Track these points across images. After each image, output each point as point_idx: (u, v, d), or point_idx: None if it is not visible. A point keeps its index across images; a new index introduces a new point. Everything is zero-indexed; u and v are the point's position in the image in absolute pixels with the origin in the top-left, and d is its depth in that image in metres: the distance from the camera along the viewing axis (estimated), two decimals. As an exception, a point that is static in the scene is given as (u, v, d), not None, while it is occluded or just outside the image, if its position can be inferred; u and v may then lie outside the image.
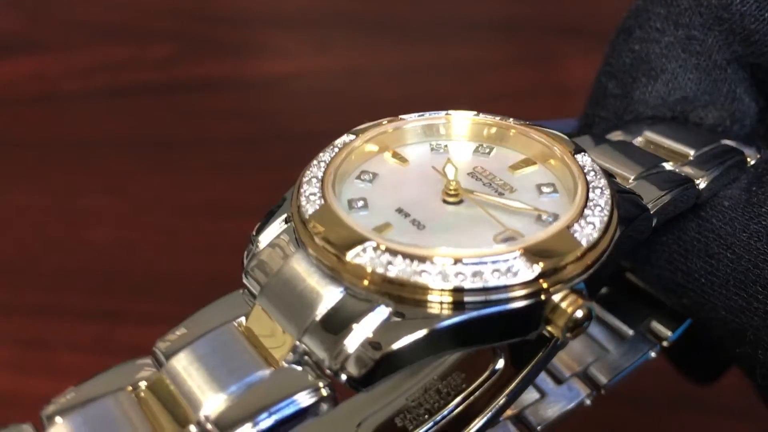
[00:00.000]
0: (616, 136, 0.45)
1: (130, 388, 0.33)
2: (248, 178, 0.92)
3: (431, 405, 0.40)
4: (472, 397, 0.40)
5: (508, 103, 1.01)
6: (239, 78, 1.15)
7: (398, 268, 0.31)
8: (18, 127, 1.06)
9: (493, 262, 0.31)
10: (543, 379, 0.46)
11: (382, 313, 0.31)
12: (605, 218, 0.34)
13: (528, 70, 1.10)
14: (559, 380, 0.46)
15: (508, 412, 0.44)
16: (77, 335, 0.77)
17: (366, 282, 0.31)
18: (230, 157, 0.98)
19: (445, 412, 0.40)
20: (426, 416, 0.40)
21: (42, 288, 0.82)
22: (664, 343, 0.47)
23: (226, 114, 1.06)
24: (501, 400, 0.39)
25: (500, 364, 0.39)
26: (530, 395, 0.45)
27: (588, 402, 0.46)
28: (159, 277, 0.82)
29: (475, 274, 0.31)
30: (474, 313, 0.31)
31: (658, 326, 0.48)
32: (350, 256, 0.32)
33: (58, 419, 0.31)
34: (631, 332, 0.48)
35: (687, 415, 0.65)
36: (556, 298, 0.31)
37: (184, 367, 0.32)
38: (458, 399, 0.40)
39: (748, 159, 0.43)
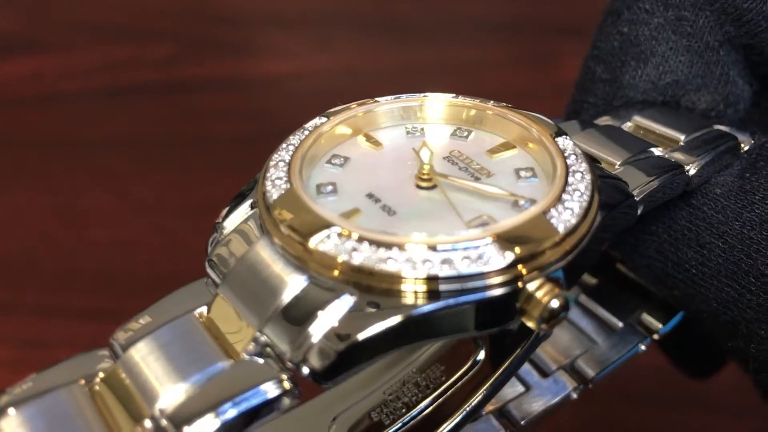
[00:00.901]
0: (604, 121, 0.44)
1: (83, 381, 0.31)
2: (248, 178, 0.91)
3: (409, 398, 0.39)
4: (451, 390, 0.39)
5: (508, 103, 1.00)
6: (239, 78, 1.14)
7: (363, 255, 0.30)
8: (18, 127, 1.06)
9: (464, 249, 0.30)
10: (528, 371, 0.45)
11: (347, 301, 0.29)
12: (584, 203, 0.32)
13: (528, 70, 1.09)
14: (544, 373, 0.45)
15: (491, 406, 0.43)
16: (77, 335, 0.76)
17: (336, 272, 0.30)
18: (230, 157, 0.97)
19: (423, 405, 0.39)
20: (404, 410, 0.39)
21: (42, 288, 0.82)
22: (655, 336, 0.46)
23: (226, 114, 1.06)
24: (482, 393, 0.38)
25: (481, 355, 0.38)
26: (514, 388, 0.44)
27: (574, 396, 0.44)
28: (159, 277, 0.81)
29: (444, 262, 0.30)
30: (451, 301, 0.30)
31: (648, 318, 0.46)
32: (313, 242, 0.30)
33: (10, 411, 0.30)
34: (620, 324, 0.47)
35: (685, 412, 0.64)
36: (530, 287, 0.30)
37: (142, 357, 0.31)
38: (438, 392, 0.39)
39: (742, 144, 0.42)
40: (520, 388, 0.44)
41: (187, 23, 1.24)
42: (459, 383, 0.39)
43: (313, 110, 1.06)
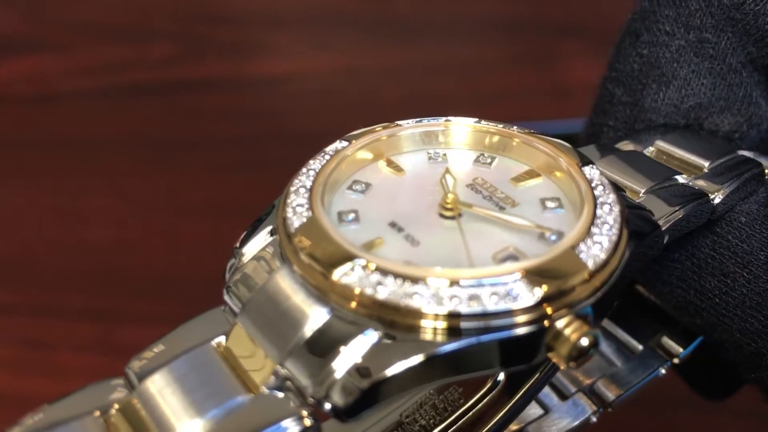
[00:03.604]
0: (626, 145, 0.43)
1: (98, 413, 0.30)
2: (248, 178, 0.91)
3: (426, 421, 0.39)
4: (470, 413, 0.38)
5: (508, 103, 1.00)
6: (239, 78, 1.13)
7: (389, 290, 0.29)
8: (18, 127, 1.06)
9: (492, 285, 0.29)
10: (547, 394, 0.44)
11: (371, 337, 0.29)
12: (614, 237, 0.32)
13: (528, 70, 1.08)
14: (564, 396, 0.44)
15: (510, 429, 0.42)
16: (77, 335, 0.76)
17: (354, 304, 0.29)
18: (230, 157, 0.97)
19: (440, 428, 0.38)
20: None
21: (42, 288, 0.82)
22: (675, 360, 0.45)
23: (226, 114, 1.05)
24: (500, 416, 0.37)
25: (500, 377, 0.37)
26: (533, 411, 0.43)
27: (594, 419, 0.44)
28: (159, 277, 0.82)
29: (471, 298, 0.29)
30: (473, 340, 0.29)
31: (669, 342, 0.46)
32: (337, 275, 0.30)
33: None
34: (640, 347, 0.46)
35: (689, 414, 0.64)
36: (559, 324, 0.29)
37: (158, 390, 0.30)
38: (456, 415, 0.38)
39: (766, 170, 0.41)
40: (539, 411, 0.44)
41: (187, 23, 1.23)
42: (477, 406, 0.38)
43: (313, 110, 1.05)
